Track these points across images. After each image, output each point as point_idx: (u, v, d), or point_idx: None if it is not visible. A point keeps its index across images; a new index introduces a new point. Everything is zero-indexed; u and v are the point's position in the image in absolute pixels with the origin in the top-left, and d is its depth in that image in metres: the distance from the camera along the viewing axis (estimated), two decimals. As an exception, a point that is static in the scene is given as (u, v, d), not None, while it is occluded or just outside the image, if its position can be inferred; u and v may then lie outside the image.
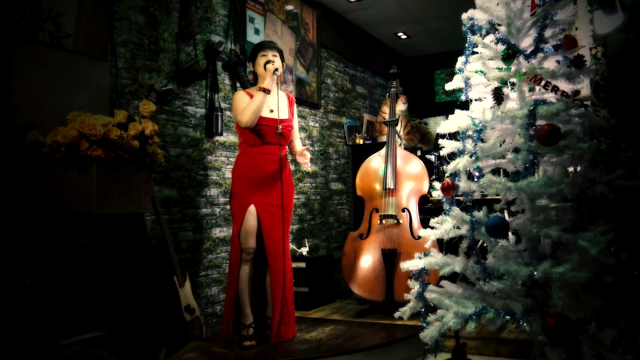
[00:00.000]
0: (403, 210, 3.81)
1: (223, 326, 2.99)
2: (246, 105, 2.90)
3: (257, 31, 4.03)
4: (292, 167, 3.63)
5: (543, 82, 2.09)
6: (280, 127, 2.93)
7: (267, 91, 2.90)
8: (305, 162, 3.03)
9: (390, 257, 3.67)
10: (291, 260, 3.23)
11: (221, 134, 3.57)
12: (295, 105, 3.23)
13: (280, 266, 2.97)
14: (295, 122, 3.20)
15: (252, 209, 2.96)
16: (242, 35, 3.85)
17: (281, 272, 2.96)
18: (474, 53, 2.34)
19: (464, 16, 2.36)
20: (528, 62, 2.17)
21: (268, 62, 2.94)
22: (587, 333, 1.79)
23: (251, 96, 2.96)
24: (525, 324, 1.92)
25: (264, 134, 2.97)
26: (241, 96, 2.98)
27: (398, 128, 4.84)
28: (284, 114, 3.06)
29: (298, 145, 3.18)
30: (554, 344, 1.82)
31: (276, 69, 2.93)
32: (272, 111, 2.99)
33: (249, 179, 2.98)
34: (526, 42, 2.22)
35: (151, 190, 2.55)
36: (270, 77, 2.92)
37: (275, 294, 2.98)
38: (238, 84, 3.79)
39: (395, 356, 2.85)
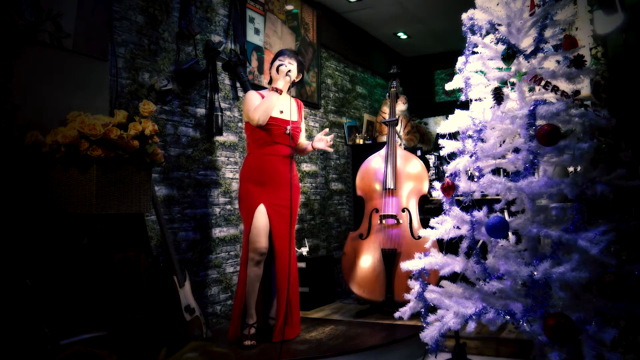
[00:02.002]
0: (403, 210, 3.81)
1: (231, 326, 2.99)
2: (258, 104, 2.98)
3: (257, 31, 4.03)
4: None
5: (543, 82, 2.09)
6: (290, 127, 3.02)
7: (278, 91, 2.98)
8: (326, 140, 3.12)
9: (390, 257, 3.67)
10: (296, 261, 3.25)
11: (221, 134, 3.57)
12: (302, 110, 3.30)
13: (287, 266, 2.98)
14: (303, 126, 3.26)
15: (261, 207, 2.98)
16: (242, 35, 3.85)
17: (287, 272, 2.98)
18: (474, 53, 2.34)
19: (464, 16, 2.36)
20: (528, 62, 2.17)
21: (281, 64, 3.05)
22: (587, 333, 1.79)
23: (262, 97, 3.02)
24: (525, 324, 1.92)
25: (274, 134, 3.01)
26: (253, 95, 3.06)
27: (398, 128, 4.84)
28: (293, 117, 3.12)
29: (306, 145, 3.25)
30: (554, 344, 1.82)
31: (289, 71, 3.03)
32: (282, 112, 3.05)
33: (257, 178, 3.00)
34: (526, 42, 2.22)
35: (151, 190, 2.55)
36: (282, 79, 3.01)
37: (281, 293, 2.99)
38: (238, 84, 3.79)
39: (395, 356, 2.85)
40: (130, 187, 2.35)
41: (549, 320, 1.80)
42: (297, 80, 3.19)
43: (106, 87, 2.78)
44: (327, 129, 3.30)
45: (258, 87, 3.88)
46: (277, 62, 3.09)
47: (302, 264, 3.96)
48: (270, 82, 3.20)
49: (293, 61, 3.11)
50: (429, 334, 2.12)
